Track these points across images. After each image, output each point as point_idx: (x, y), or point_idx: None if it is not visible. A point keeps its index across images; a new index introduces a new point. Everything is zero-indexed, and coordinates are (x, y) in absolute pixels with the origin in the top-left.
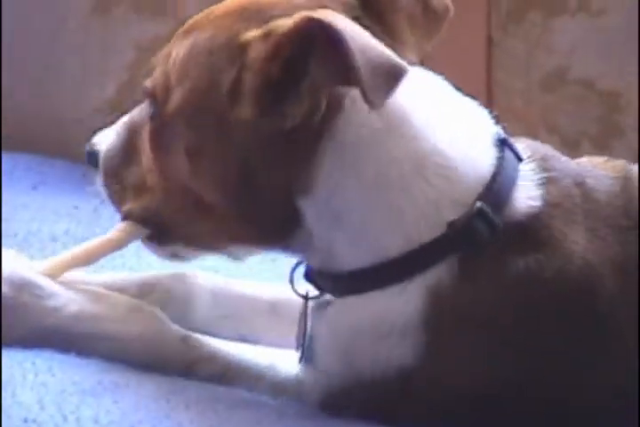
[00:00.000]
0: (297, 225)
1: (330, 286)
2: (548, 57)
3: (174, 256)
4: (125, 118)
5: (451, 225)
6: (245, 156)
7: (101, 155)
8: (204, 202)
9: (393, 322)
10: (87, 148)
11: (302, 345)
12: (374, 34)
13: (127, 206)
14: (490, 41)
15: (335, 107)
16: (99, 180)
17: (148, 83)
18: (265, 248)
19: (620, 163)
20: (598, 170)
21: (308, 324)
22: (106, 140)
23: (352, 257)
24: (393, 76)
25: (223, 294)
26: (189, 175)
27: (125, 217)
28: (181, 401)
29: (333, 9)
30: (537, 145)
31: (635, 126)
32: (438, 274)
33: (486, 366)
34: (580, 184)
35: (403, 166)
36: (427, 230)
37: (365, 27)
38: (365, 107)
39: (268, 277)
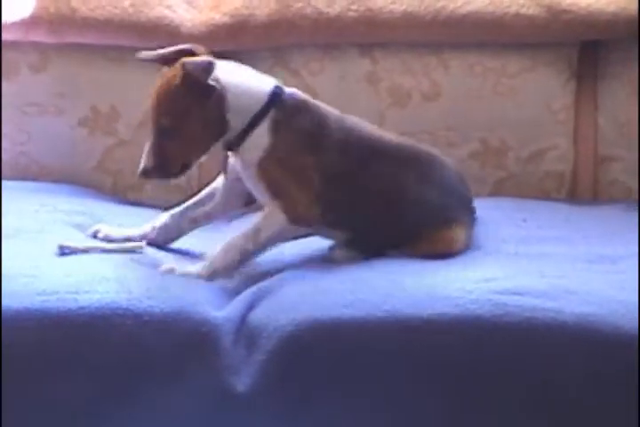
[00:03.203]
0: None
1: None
2: None
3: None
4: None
5: (270, 94)
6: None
7: None
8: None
9: (264, 130)
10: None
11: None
12: None
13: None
14: None
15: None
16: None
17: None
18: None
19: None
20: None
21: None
22: None
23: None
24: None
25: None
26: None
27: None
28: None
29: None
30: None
31: None
32: (273, 112)
33: (298, 151)
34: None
35: (254, 87)
36: (266, 95)
37: None
38: (231, 82)
39: None
